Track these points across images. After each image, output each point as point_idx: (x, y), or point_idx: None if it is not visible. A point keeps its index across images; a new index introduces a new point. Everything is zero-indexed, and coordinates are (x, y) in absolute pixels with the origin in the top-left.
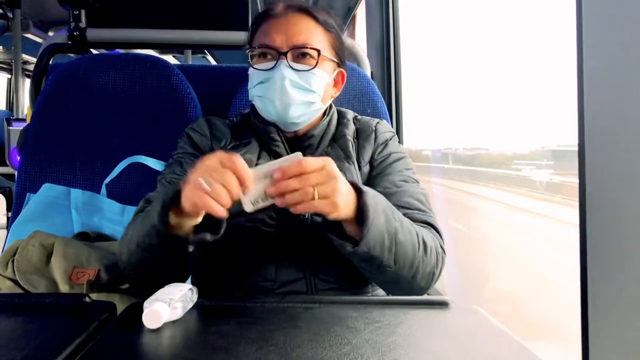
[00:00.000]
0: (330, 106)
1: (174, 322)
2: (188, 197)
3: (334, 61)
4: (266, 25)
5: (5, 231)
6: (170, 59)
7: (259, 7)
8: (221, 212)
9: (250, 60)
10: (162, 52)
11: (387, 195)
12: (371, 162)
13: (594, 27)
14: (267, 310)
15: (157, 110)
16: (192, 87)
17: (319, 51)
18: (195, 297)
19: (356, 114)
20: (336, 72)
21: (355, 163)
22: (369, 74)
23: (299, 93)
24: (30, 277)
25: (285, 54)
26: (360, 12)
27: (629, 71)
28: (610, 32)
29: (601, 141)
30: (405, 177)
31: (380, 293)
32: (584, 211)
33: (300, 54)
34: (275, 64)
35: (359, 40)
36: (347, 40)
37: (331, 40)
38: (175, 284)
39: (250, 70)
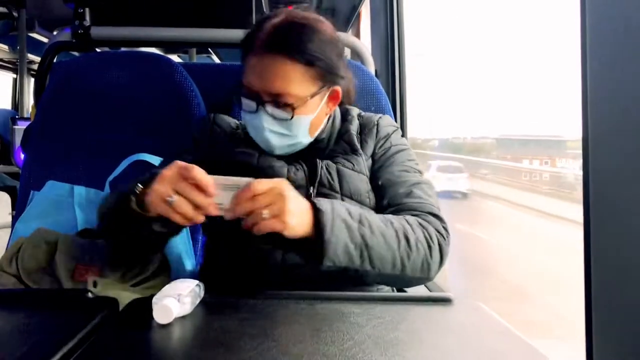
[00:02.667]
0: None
1: (176, 317)
2: (153, 205)
3: (322, 90)
4: (249, 59)
5: (10, 229)
6: (174, 59)
7: (263, 4)
8: (185, 222)
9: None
10: (166, 52)
11: (388, 187)
12: (373, 156)
13: (598, 26)
14: (269, 306)
15: (161, 108)
16: (195, 84)
17: (292, 105)
18: (202, 293)
19: (360, 111)
20: (327, 96)
21: (362, 155)
22: (373, 71)
23: (280, 139)
24: (34, 275)
25: (264, 103)
26: (365, 10)
27: (633, 68)
28: (614, 31)
29: (605, 138)
30: (406, 167)
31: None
32: (587, 210)
33: (278, 103)
34: (256, 110)
35: (364, 38)
36: (351, 38)
37: (315, 72)
38: (182, 279)
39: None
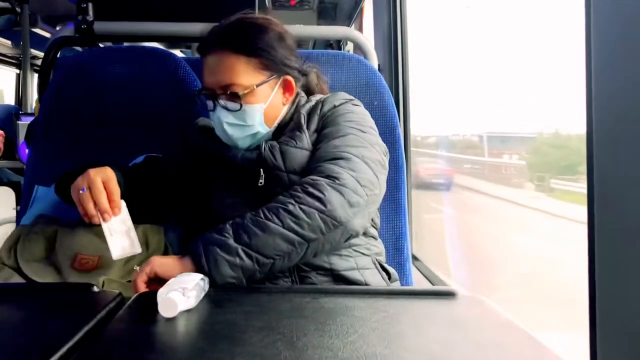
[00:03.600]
0: (296, 95)
1: (181, 311)
2: (72, 189)
3: (270, 79)
4: (204, 61)
5: (14, 225)
6: (177, 53)
7: None
8: (84, 217)
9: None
10: (169, 47)
11: (316, 146)
12: (317, 129)
13: (603, 24)
14: (274, 300)
15: (164, 102)
16: (199, 79)
17: (239, 95)
18: (207, 287)
19: (327, 96)
20: (278, 85)
21: (306, 131)
22: (376, 66)
23: (238, 130)
24: (34, 265)
25: (217, 97)
26: (368, 5)
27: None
28: (620, 29)
29: (609, 137)
30: (340, 127)
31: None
32: (592, 208)
33: (228, 94)
34: (213, 106)
35: (366, 32)
36: (353, 32)
37: (257, 63)
38: (187, 273)
39: None
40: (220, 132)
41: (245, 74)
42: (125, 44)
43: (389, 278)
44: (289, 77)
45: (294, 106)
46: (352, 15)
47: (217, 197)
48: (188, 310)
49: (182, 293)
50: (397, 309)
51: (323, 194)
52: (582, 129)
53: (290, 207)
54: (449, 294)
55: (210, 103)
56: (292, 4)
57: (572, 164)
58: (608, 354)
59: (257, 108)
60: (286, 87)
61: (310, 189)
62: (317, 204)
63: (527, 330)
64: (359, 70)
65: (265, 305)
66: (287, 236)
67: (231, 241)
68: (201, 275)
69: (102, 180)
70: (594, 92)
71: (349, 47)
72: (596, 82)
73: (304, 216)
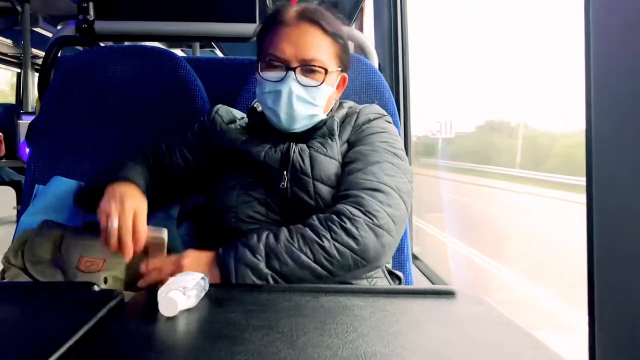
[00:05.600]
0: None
1: (182, 310)
2: (101, 211)
3: (338, 69)
4: (277, 32)
5: (15, 225)
6: (178, 52)
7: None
8: (105, 243)
9: (258, 66)
10: (170, 46)
11: (349, 163)
12: (348, 140)
13: (603, 23)
14: (274, 299)
15: (165, 102)
16: (199, 78)
17: (326, 70)
18: (207, 286)
19: (354, 104)
20: (339, 78)
21: (337, 141)
22: (376, 65)
23: (305, 107)
24: (40, 267)
25: (294, 69)
26: (368, 4)
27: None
28: (619, 27)
29: (608, 135)
30: (375, 147)
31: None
32: (591, 208)
33: (308, 69)
34: (284, 76)
35: (367, 32)
36: (354, 32)
37: (338, 50)
38: (187, 272)
39: (258, 77)
40: (285, 104)
41: (328, 54)
42: (126, 43)
43: (399, 283)
44: (346, 75)
45: (332, 110)
46: (352, 15)
47: (231, 193)
48: (188, 310)
49: (183, 292)
50: (396, 308)
51: (360, 234)
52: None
53: (326, 243)
54: (448, 293)
55: (278, 73)
56: (292, 3)
57: None
58: (608, 354)
59: (329, 91)
60: (340, 84)
61: (348, 225)
62: (352, 243)
63: (526, 329)
64: (360, 70)
65: (265, 304)
66: (316, 271)
67: (262, 265)
68: (201, 275)
69: (133, 214)
70: (593, 92)
71: (350, 46)
72: (595, 82)
73: (337, 255)
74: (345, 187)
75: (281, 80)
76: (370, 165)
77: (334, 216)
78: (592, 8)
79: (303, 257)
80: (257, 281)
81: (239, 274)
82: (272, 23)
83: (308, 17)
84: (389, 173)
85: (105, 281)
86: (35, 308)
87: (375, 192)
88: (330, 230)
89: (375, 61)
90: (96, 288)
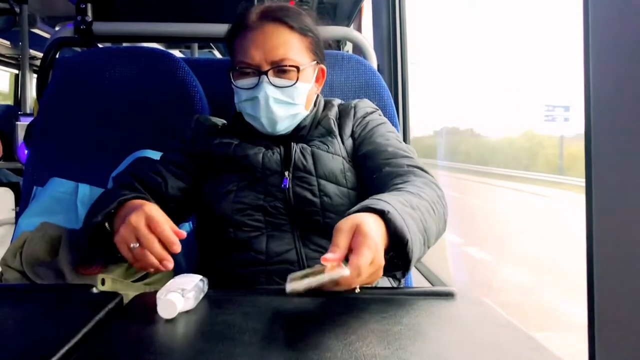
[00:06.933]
0: (317, 96)
1: (180, 312)
2: (118, 244)
3: (313, 62)
4: (243, 38)
5: (13, 226)
6: (177, 53)
7: None
8: (144, 269)
9: (231, 75)
10: (168, 47)
11: (374, 154)
12: (352, 135)
13: (602, 19)
14: (273, 301)
15: (164, 103)
16: (197, 79)
17: (298, 67)
18: (206, 288)
19: (342, 101)
20: (316, 71)
21: (338, 137)
22: (375, 66)
23: (284, 108)
24: (38, 269)
25: (266, 72)
26: (367, 4)
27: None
28: (619, 23)
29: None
30: (387, 136)
31: None
32: (591, 208)
33: (280, 69)
34: (258, 82)
35: (365, 33)
36: (353, 32)
37: (308, 44)
38: (186, 274)
39: (233, 86)
40: (264, 109)
41: (299, 50)
42: (124, 44)
43: (399, 284)
44: (324, 67)
45: (317, 106)
46: (351, 15)
47: (224, 202)
48: (187, 311)
49: (181, 294)
50: (396, 309)
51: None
52: None
53: (439, 205)
54: (448, 295)
55: (251, 79)
56: (291, 4)
57: None
58: (608, 354)
59: (306, 87)
60: (319, 76)
61: (436, 190)
62: (444, 206)
63: (526, 331)
64: (358, 70)
65: (264, 306)
66: (439, 231)
67: (418, 221)
68: (200, 277)
69: (146, 222)
70: (592, 92)
71: (348, 47)
72: (594, 82)
73: (442, 217)
74: (393, 173)
75: (255, 86)
76: (398, 150)
77: (436, 186)
78: (592, 8)
79: (431, 218)
80: (419, 235)
81: (413, 240)
82: (238, 28)
83: (271, 17)
84: (413, 156)
85: (103, 282)
86: (34, 310)
87: (423, 172)
88: (441, 199)
89: (374, 62)
90: (95, 290)
